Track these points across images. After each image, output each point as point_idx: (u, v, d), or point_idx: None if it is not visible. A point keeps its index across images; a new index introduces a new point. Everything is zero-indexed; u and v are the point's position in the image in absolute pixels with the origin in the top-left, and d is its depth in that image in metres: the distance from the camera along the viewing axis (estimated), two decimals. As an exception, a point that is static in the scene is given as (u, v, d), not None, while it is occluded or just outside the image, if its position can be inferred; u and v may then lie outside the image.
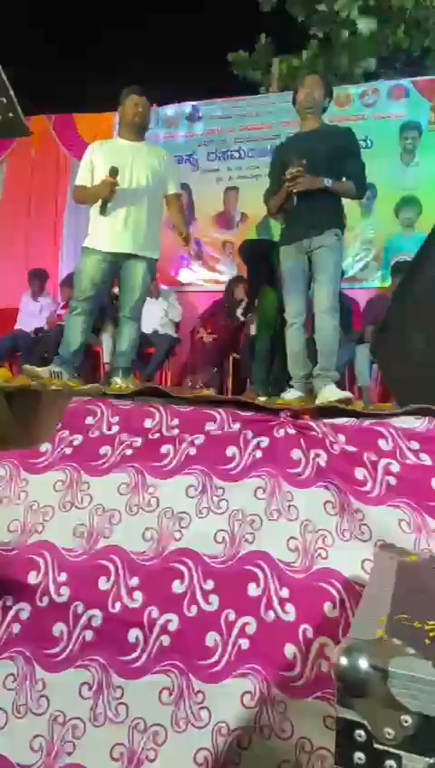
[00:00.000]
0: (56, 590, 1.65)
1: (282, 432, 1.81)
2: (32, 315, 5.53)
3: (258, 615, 1.50)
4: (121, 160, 3.10)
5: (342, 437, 1.76)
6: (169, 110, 5.95)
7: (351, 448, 1.73)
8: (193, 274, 5.97)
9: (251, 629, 1.48)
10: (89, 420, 1.99)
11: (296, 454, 1.75)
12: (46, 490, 1.85)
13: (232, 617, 1.51)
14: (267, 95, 6.32)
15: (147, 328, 4.52)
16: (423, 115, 5.31)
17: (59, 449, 1.94)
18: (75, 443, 1.94)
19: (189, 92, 5.94)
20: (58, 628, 1.59)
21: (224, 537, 1.64)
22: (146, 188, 3.17)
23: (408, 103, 5.37)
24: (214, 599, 1.54)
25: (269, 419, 1.85)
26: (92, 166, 3.19)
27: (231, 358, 4.86)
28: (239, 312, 4.92)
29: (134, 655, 1.52)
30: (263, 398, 2.74)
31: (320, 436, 1.77)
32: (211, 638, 1.49)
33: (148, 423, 1.92)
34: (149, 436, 1.90)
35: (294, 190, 2.93)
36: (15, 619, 1.63)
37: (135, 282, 3.19)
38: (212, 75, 6.76)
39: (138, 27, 7.75)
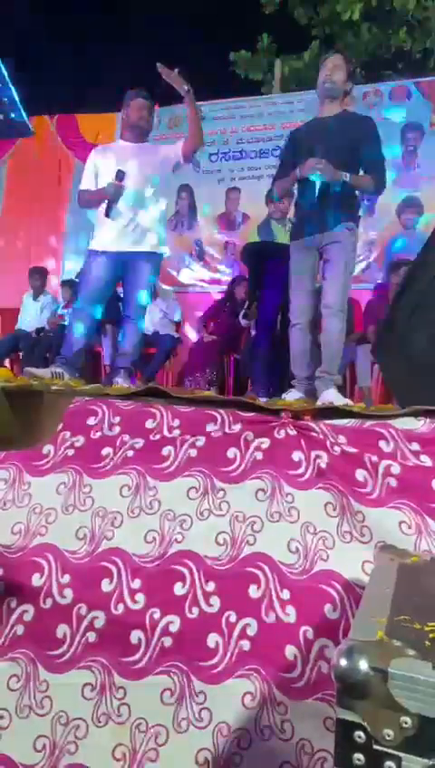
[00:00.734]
0: (59, 592, 1.65)
1: (283, 433, 1.81)
2: (33, 315, 5.54)
3: (259, 616, 1.50)
4: (125, 162, 3.12)
5: (342, 439, 1.76)
6: (171, 110, 5.96)
7: (351, 450, 1.73)
8: (194, 275, 5.98)
9: (252, 631, 1.49)
10: (90, 421, 1.99)
11: (297, 455, 1.75)
12: (49, 493, 1.85)
13: (233, 618, 1.51)
14: (269, 96, 6.32)
15: (147, 329, 4.52)
16: (425, 116, 5.32)
17: (61, 451, 1.94)
18: (77, 444, 1.94)
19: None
20: (61, 630, 1.60)
21: (225, 539, 1.64)
22: (150, 189, 3.19)
23: (410, 104, 5.38)
24: (215, 600, 1.55)
25: (270, 420, 1.86)
26: (96, 170, 3.21)
27: (232, 358, 4.87)
28: (240, 312, 4.93)
29: (136, 656, 1.52)
30: (264, 399, 2.74)
31: (321, 437, 1.77)
32: (212, 640, 1.50)
33: (149, 424, 1.93)
34: (151, 438, 1.90)
35: (312, 179, 2.76)
36: (19, 620, 1.64)
37: (139, 282, 3.20)
38: (214, 76, 6.76)
39: (140, 27, 7.76)
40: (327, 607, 1.47)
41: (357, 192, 2.95)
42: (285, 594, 1.52)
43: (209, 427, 1.87)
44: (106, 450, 1.91)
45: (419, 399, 1.89)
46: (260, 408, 1.99)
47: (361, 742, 0.73)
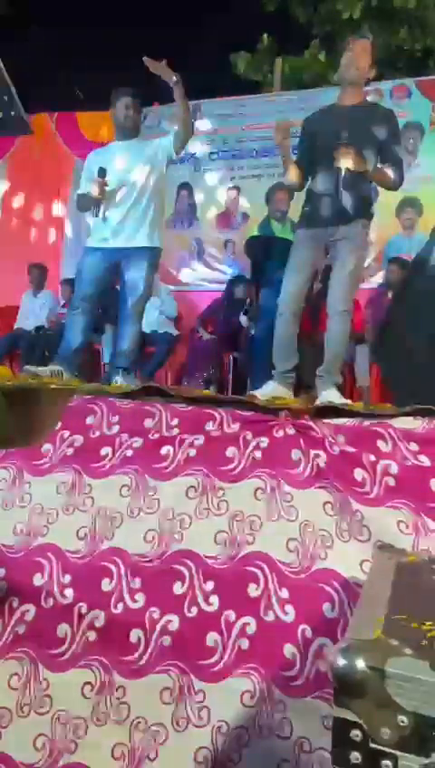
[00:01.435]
0: (60, 592, 1.66)
1: (281, 432, 1.81)
2: (32, 312, 5.54)
3: (258, 615, 1.51)
4: (119, 161, 3.13)
5: (341, 438, 1.76)
6: (172, 109, 5.95)
7: (350, 449, 1.74)
8: (194, 274, 5.97)
9: (251, 630, 1.49)
10: (89, 420, 2.00)
11: (296, 454, 1.76)
12: (50, 493, 1.86)
13: (232, 617, 1.52)
14: (270, 95, 6.30)
15: (145, 327, 4.52)
16: (425, 115, 5.30)
17: (60, 450, 1.94)
18: (76, 443, 1.95)
19: (191, 92, 5.92)
20: (62, 629, 1.60)
21: (224, 538, 1.65)
22: (146, 183, 3.19)
23: (410, 103, 5.36)
24: (214, 599, 1.55)
25: (269, 419, 1.86)
26: (92, 173, 3.21)
27: (231, 357, 4.86)
28: (240, 311, 4.92)
29: (136, 655, 1.53)
30: (263, 397, 2.72)
31: (319, 436, 1.77)
32: (211, 639, 1.50)
33: (148, 423, 1.93)
34: (149, 437, 1.90)
35: (338, 165, 2.58)
36: (21, 619, 1.64)
37: (137, 279, 3.20)
38: (214, 75, 6.76)
39: (140, 26, 7.75)
40: (326, 606, 1.48)
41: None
42: (284, 593, 1.52)
43: (208, 427, 1.87)
44: (105, 450, 1.91)
45: (417, 399, 1.90)
46: (259, 407, 2.00)
47: (357, 740, 0.73)
